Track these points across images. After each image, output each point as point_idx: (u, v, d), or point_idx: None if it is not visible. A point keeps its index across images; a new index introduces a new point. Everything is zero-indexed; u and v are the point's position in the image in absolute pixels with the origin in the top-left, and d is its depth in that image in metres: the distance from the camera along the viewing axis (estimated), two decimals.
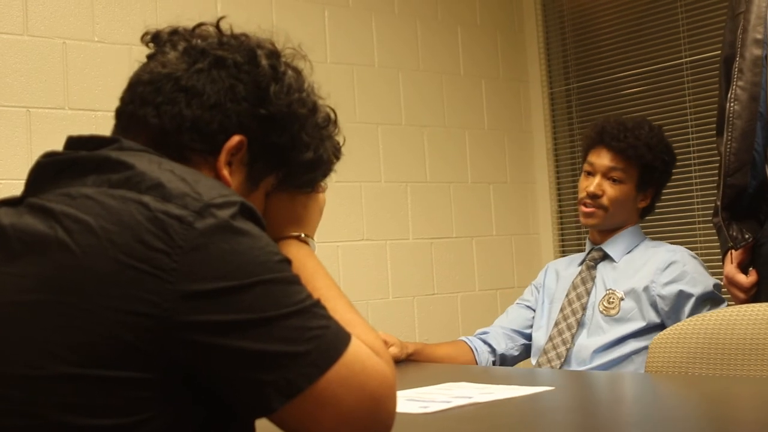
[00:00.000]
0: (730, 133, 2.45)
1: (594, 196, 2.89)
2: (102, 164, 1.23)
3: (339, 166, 4.23)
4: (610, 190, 2.89)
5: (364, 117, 4.06)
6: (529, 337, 2.99)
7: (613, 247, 2.93)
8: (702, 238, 4.00)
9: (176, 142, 1.30)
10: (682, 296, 2.72)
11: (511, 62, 4.63)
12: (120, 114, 1.36)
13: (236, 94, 1.32)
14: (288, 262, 1.21)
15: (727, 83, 2.59)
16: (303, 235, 1.44)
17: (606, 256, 2.93)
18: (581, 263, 3.00)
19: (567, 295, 2.91)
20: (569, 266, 3.05)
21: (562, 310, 2.89)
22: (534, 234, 4.62)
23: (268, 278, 1.15)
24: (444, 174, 4.30)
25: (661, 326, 2.72)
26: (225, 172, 1.32)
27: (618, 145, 2.87)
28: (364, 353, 1.20)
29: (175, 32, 1.38)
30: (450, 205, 4.31)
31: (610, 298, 2.80)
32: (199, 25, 1.40)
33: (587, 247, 3.02)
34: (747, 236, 2.48)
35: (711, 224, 3.97)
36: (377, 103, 4.12)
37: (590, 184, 2.90)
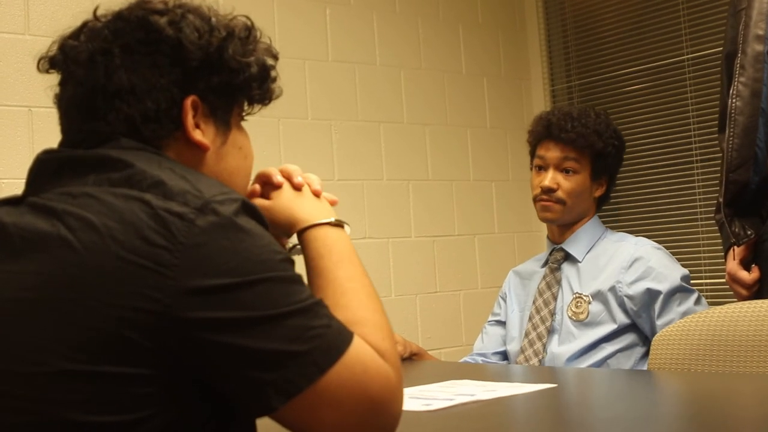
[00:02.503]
0: (732, 130, 2.44)
1: (549, 191, 2.80)
2: (102, 163, 1.23)
3: (341, 164, 4.25)
4: (565, 183, 2.80)
5: (366, 115, 4.06)
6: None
7: (574, 245, 2.84)
8: (704, 236, 3.99)
9: (140, 138, 1.29)
10: (650, 294, 2.65)
11: (513, 60, 4.63)
12: (71, 139, 1.33)
13: (160, 67, 1.30)
14: (290, 261, 1.21)
15: (728, 79, 2.58)
16: (334, 220, 1.42)
17: (568, 256, 2.86)
18: (544, 265, 2.92)
19: (534, 302, 2.83)
20: (532, 267, 2.97)
21: (530, 318, 2.81)
22: (536, 232, 4.61)
23: (270, 276, 1.15)
24: (446, 172, 4.30)
25: (632, 326, 2.67)
26: (197, 137, 1.32)
27: (567, 135, 2.79)
28: (366, 354, 1.19)
29: (64, 47, 1.35)
30: (452, 203, 4.31)
31: (577, 302, 2.73)
32: (83, 26, 1.35)
33: (548, 247, 2.94)
34: (749, 233, 2.48)
35: (714, 222, 3.99)
36: (379, 102, 4.12)
37: (544, 179, 2.82)
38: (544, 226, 4.56)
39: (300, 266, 1.33)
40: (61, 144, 1.33)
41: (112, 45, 1.30)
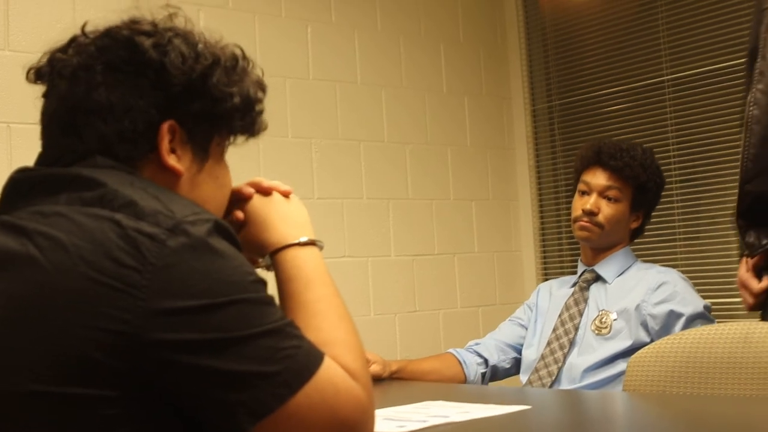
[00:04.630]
0: (748, 139, 2.35)
1: (591, 213, 2.91)
2: (74, 181, 1.22)
3: (321, 183, 4.23)
4: (606, 209, 2.92)
5: (347, 134, 4.06)
6: (520, 352, 3.00)
7: (605, 268, 2.95)
8: (683, 257, 4.01)
9: (113, 157, 1.29)
10: (672, 316, 2.74)
11: (494, 79, 4.64)
12: (51, 155, 1.33)
13: (141, 88, 1.30)
14: (262, 282, 1.20)
15: (749, 77, 2.47)
16: (305, 240, 1.41)
17: (598, 278, 2.95)
18: (574, 285, 3.01)
19: (560, 316, 2.93)
20: (561, 287, 3.07)
21: (554, 330, 2.90)
22: (516, 251, 4.62)
23: (240, 298, 1.15)
24: (426, 191, 4.30)
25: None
26: (171, 162, 1.31)
27: (615, 164, 2.90)
28: (337, 375, 1.19)
29: (52, 60, 1.35)
30: (432, 222, 4.31)
31: (602, 318, 2.82)
32: (72, 40, 1.35)
33: (579, 269, 3.03)
34: (764, 242, 2.38)
35: (692, 243, 3.99)
36: (360, 120, 4.12)
37: (586, 203, 2.93)
38: (524, 246, 4.60)
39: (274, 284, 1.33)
40: (37, 162, 1.33)
41: (96, 62, 1.30)
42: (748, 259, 2.44)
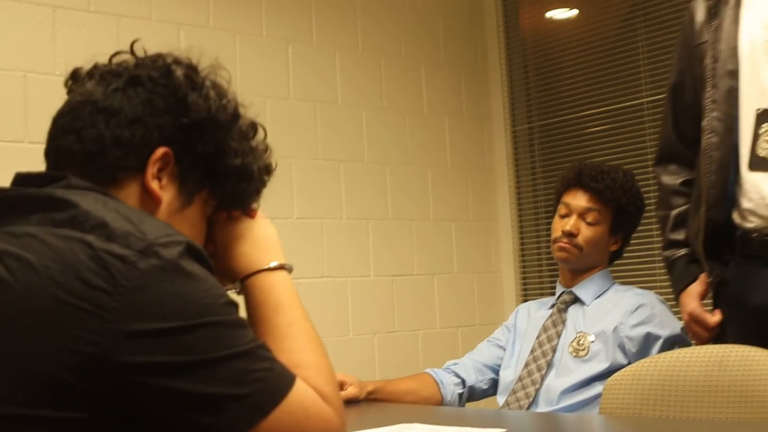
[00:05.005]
0: (707, 166, 2.38)
1: (570, 235, 2.91)
2: (47, 203, 1.22)
3: (301, 202, 4.22)
4: (585, 231, 2.91)
5: (327, 154, 4.07)
6: (498, 372, 2.99)
7: (583, 290, 2.94)
8: (662, 278, 4.01)
9: (102, 163, 1.30)
10: (649, 338, 2.73)
11: (475, 100, 4.66)
12: (47, 153, 1.36)
13: (154, 107, 1.31)
14: (234, 305, 1.20)
15: (674, 111, 2.58)
16: (274, 264, 1.41)
17: (576, 300, 2.95)
18: (552, 306, 3.00)
19: (537, 337, 2.92)
20: (540, 309, 3.05)
21: (532, 351, 2.90)
22: (496, 272, 4.62)
23: (211, 321, 1.14)
24: (406, 211, 4.30)
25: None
26: (153, 186, 1.31)
27: (596, 186, 2.90)
28: (309, 398, 1.19)
29: (94, 67, 1.38)
30: (412, 243, 4.31)
31: (580, 339, 2.82)
32: (116, 53, 1.39)
33: (558, 291, 3.03)
34: (710, 279, 2.45)
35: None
36: (340, 140, 4.12)
37: (566, 224, 2.92)
38: (503, 267, 4.60)
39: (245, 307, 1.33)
40: (13, 182, 1.32)
41: (126, 72, 1.34)
42: (694, 292, 2.48)
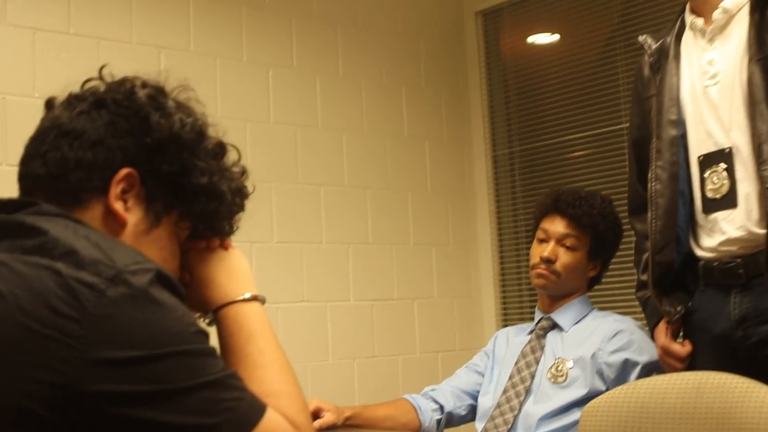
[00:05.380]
0: (654, 212, 2.49)
1: (548, 261, 2.92)
2: (16, 229, 1.21)
3: (280, 227, 4.18)
4: (563, 257, 2.92)
5: (307, 178, 4.06)
6: (476, 399, 2.99)
7: (562, 316, 2.94)
8: (639, 308, 4.01)
9: (66, 185, 1.29)
10: (628, 364, 2.73)
11: (455, 124, 4.66)
12: (19, 179, 1.36)
13: (117, 128, 1.31)
14: (204, 333, 1.19)
15: (636, 164, 2.68)
16: (248, 296, 1.41)
17: (555, 326, 2.95)
18: (530, 332, 3.01)
19: (516, 363, 2.92)
20: (519, 335, 3.06)
21: (511, 377, 2.89)
22: (476, 297, 4.61)
23: (181, 350, 1.14)
24: (386, 235, 4.30)
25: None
26: (117, 207, 1.30)
27: (574, 212, 2.91)
28: (280, 427, 1.18)
29: (67, 94, 1.38)
30: (392, 267, 4.30)
31: (558, 366, 2.82)
32: (88, 80, 1.40)
33: (536, 317, 3.03)
34: (679, 308, 2.51)
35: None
36: (320, 164, 4.12)
37: (544, 250, 2.93)
38: (484, 292, 4.60)
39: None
40: None
41: (91, 95, 1.34)
42: (667, 326, 2.54)
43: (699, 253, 2.44)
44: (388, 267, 4.29)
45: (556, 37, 4.60)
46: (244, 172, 1.45)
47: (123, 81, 1.37)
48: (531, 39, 4.67)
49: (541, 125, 4.52)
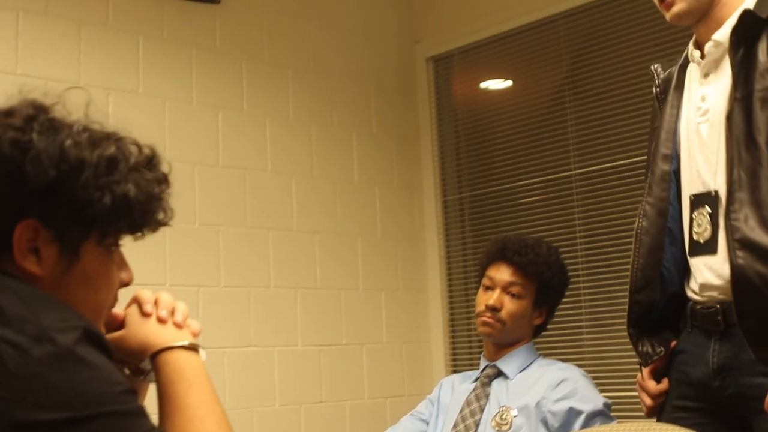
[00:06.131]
0: (637, 249, 2.40)
1: (493, 309, 2.91)
2: None
3: (228, 271, 4.12)
4: (508, 305, 2.91)
5: (255, 221, 4.04)
6: None
7: (507, 364, 2.93)
8: (589, 352, 4.03)
9: None
10: (572, 413, 2.73)
11: (406, 170, 4.67)
12: None
13: None
14: (132, 392, 1.17)
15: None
16: (187, 343, 1.38)
17: (500, 374, 2.94)
18: (476, 380, 2.99)
19: (461, 411, 2.91)
20: (464, 382, 3.05)
21: (455, 426, 2.88)
22: (425, 342, 4.60)
23: (108, 411, 1.11)
24: (335, 280, 4.27)
25: None
26: (26, 264, 1.26)
27: (519, 260, 2.91)
28: None
29: None
30: (340, 312, 4.27)
31: (503, 414, 2.81)
32: None
33: (482, 364, 3.02)
34: (659, 350, 2.43)
35: (599, 336, 4.02)
36: (269, 208, 4.10)
37: (489, 298, 2.93)
38: (432, 337, 4.58)
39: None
40: None
41: None
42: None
43: (689, 293, 2.34)
44: (336, 312, 4.26)
45: (506, 83, 4.63)
46: (150, 159, 1.37)
47: None
48: (482, 85, 4.70)
49: (491, 171, 4.54)
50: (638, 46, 3.92)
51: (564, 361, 3.63)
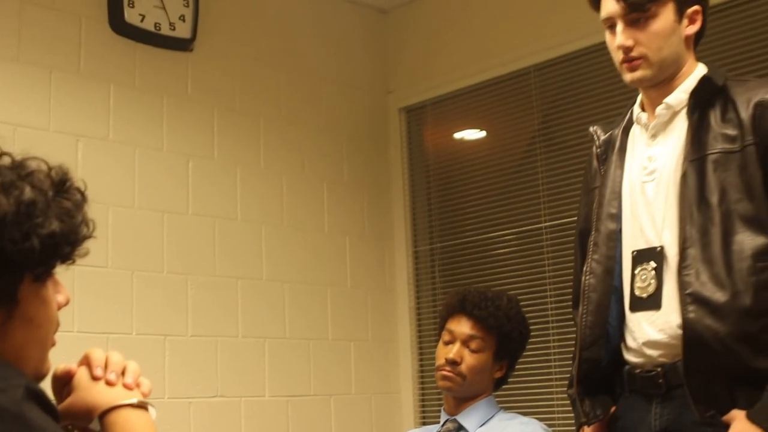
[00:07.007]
0: (585, 306, 2.43)
1: (453, 363, 2.88)
2: None
3: (195, 320, 4.08)
4: (468, 358, 2.88)
5: (224, 270, 4.00)
6: None
7: (467, 418, 2.90)
8: (559, 409, 4.00)
9: None
10: None
11: (377, 220, 4.66)
12: None
13: None
14: None
15: (582, 256, 2.61)
16: (135, 401, 1.35)
17: (460, 428, 2.90)
18: None
19: None
20: None
21: None
22: (395, 393, 4.56)
23: None
24: (304, 330, 4.24)
25: None
26: None
27: (479, 313, 2.89)
28: None
29: None
30: (309, 362, 4.23)
31: None
32: None
33: (442, 418, 2.98)
34: (599, 413, 2.44)
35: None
36: (238, 257, 4.07)
37: (449, 351, 2.89)
38: (402, 388, 4.55)
39: None
40: None
41: None
42: (587, 429, 2.46)
43: (625, 356, 2.37)
44: (305, 362, 4.22)
45: (479, 134, 4.64)
46: (63, 183, 1.33)
47: None
48: (455, 135, 4.71)
49: (463, 222, 4.54)
50: (609, 98, 3.94)
51: (534, 414, 3.61)
